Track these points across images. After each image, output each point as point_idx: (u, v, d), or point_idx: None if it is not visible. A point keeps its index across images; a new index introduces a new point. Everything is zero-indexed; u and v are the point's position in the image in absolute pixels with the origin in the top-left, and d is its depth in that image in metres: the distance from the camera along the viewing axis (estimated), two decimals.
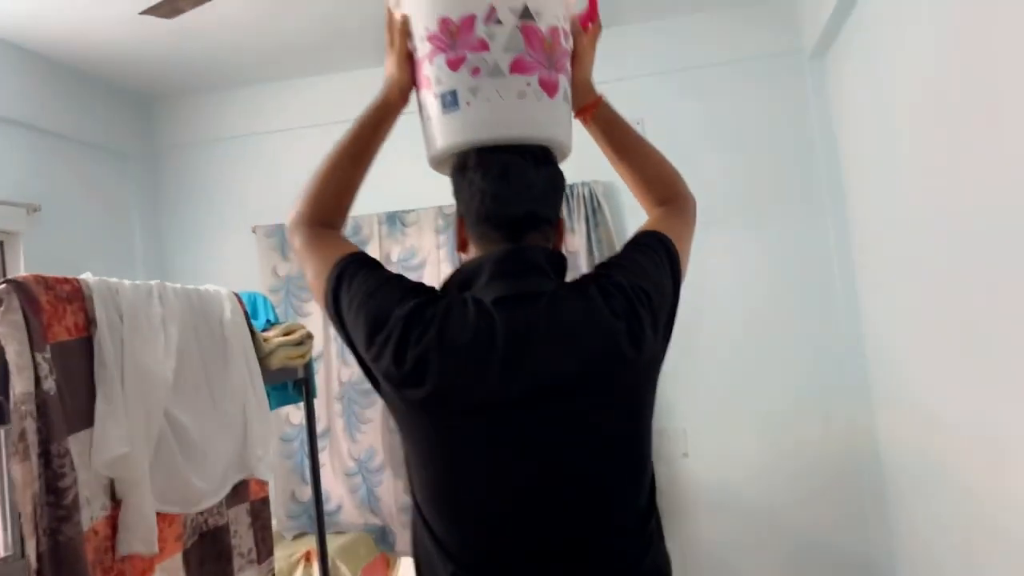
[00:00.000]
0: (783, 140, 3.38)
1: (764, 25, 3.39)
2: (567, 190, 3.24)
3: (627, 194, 3.40)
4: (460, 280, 1.22)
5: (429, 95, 1.29)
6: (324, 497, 3.48)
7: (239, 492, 2.26)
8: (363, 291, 1.18)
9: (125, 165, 3.60)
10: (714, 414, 3.40)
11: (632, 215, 3.46)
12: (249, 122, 3.77)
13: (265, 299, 2.80)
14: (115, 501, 1.71)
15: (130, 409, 1.72)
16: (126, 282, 1.84)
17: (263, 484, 2.39)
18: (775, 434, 3.34)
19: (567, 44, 1.30)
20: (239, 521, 2.26)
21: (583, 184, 3.39)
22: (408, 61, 1.31)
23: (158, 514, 1.85)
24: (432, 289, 1.22)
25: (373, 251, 3.54)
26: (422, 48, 1.28)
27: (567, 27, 1.30)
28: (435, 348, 1.10)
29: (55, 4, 2.76)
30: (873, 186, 2.88)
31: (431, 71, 1.26)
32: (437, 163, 1.36)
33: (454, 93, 1.23)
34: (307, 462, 3.08)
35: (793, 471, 3.33)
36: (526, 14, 1.21)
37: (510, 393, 1.10)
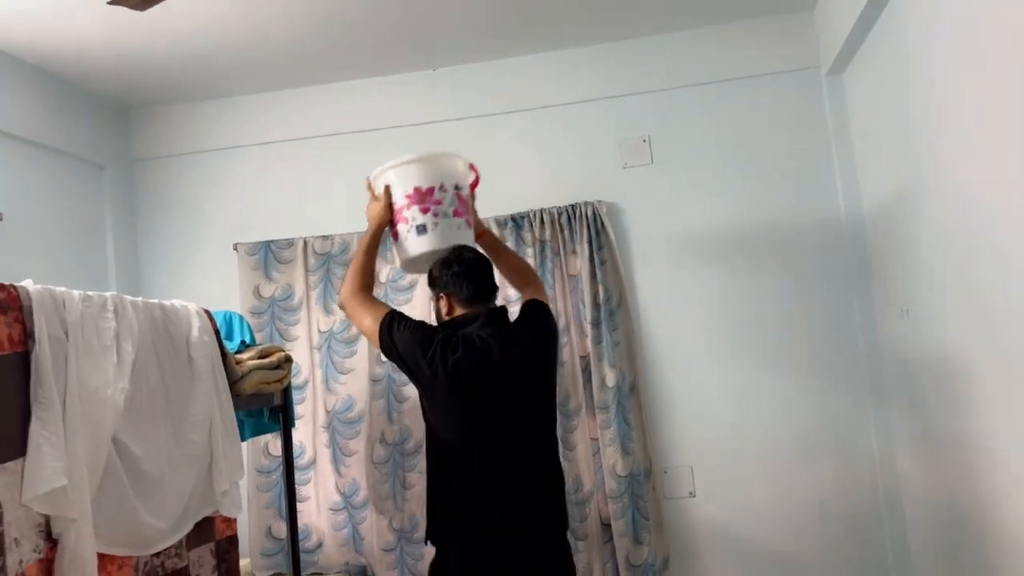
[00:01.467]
0: (799, 159, 3.20)
1: (779, 41, 3.24)
2: (568, 210, 3.11)
3: (632, 215, 3.29)
4: (461, 323, 2.26)
5: (406, 227, 2.37)
6: (305, 534, 3.26)
7: (203, 530, 2.03)
8: (409, 330, 2.22)
9: (100, 175, 3.39)
10: (722, 452, 3.18)
11: (636, 236, 3.27)
12: (230, 134, 3.57)
13: (241, 318, 2.60)
14: (51, 542, 1.49)
15: (71, 436, 1.50)
16: (75, 292, 1.64)
17: (231, 521, 2.17)
18: (788, 474, 3.13)
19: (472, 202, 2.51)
20: (202, 563, 2.03)
21: (586, 204, 3.21)
22: (389, 208, 2.41)
23: (105, 556, 1.64)
24: (440, 327, 2.30)
25: None
26: (402, 201, 2.37)
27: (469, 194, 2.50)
28: (463, 358, 2.14)
29: (29, 5, 2.58)
30: (894, 206, 2.71)
31: (409, 214, 2.36)
32: (407, 264, 2.50)
33: (424, 226, 2.34)
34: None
35: (808, 515, 3.10)
36: (457, 187, 2.38)
37: (500, 383, 2.18)
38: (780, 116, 3.23)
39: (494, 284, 2.38)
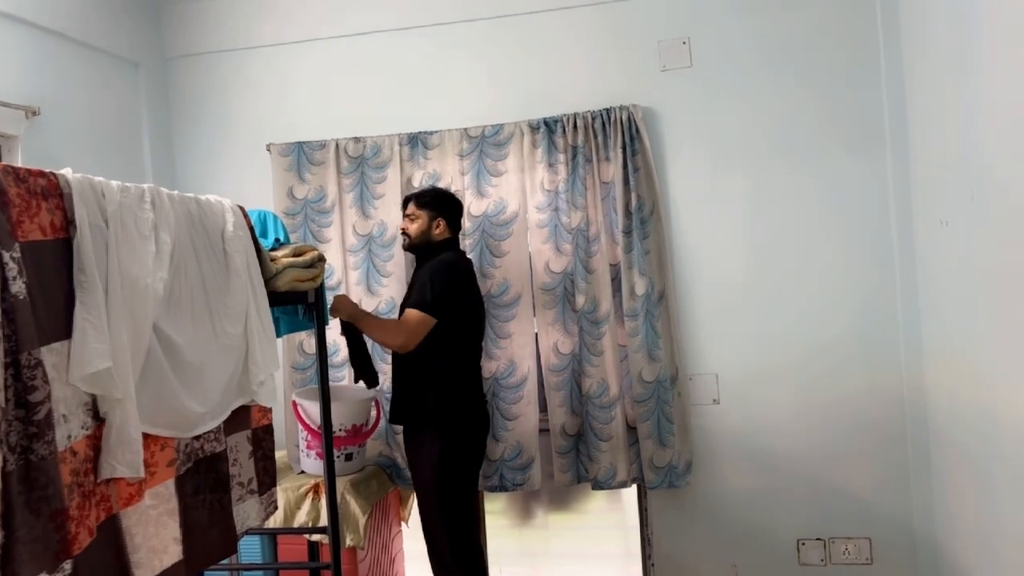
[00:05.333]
0: (844, 64, 3.10)
1: None
2: (602, 114, 3.05)
3: (668, 122, 3.23)
4: (453, 244, 2.99)
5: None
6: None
7: (240, 418, 2.12)
8: (456, 286, 2.89)
9: (134, 73, 3.39)
10: (749, 361, 3.21)
11: (672, 143, 3.22)
12: (262, 33, 3.53)
13: (275, 217, 2.63)
14: (98, 420, 1.56)
15: (114, 321, 1.55)
16: (113, 182, 1.66)
17: (266, 411, 2.25)
18: (814, 384, 3.15)
19: None
20: (239, 449, 2.12)
21: (621, 108, 3.15)
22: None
23: (149, 437, 1.71)
24: (457, 262, 2.95)
25: (393, 175, 3.34)
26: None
27: None
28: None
29: None
30: (942, 114, 2.62)
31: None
32: None
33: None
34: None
35: (832, 424, 3.14)
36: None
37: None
38: (827, 18, 3.10)
39: None
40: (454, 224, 2.98)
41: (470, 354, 2.94)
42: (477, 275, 3.15)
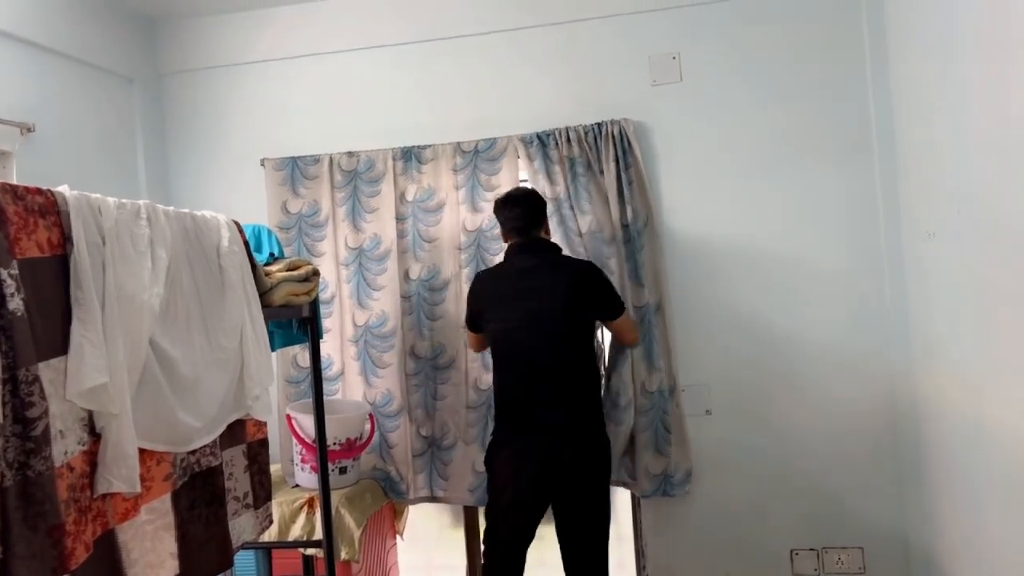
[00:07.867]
0: (831, 75, 3.13)
1: None
2: (594, 128, 3.07)
3: (660, 135, 3.25)
4: (507, 255, 2.85)
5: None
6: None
7: (235, 433, 2.13)
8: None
9: (128, 89, 3.42)
10: (741, 371, 3.23)
11: (664, 156, 3.25)
12: (255, 49, 3.54)
13: (270, 232, 2.65)
14: (94, 435, 1.57)
15: (110, 337, 1.57)
16: (110, 199, 1.68)
17: (261, 425, 2.26)
18: (806, 394, 3.17)
19: None
20: (235, 463, 2.13)
21: (612, 122, 3.17)
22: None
23: (145, 452, 1.73)
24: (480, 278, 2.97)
25: (387, 189, 3.35)
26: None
27: None
28: (482, 292, 2.90)
29: None
30: (928, 124, 2.65)
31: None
32: None
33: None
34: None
35: (824, 433, 3.16)
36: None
37: (516, 315, 2.73)
38: (815, 32, 3.14)
39: (534, 217, 2.81)
40: (501, 223, 2.92)
41: (495, 362, 2.94)
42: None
